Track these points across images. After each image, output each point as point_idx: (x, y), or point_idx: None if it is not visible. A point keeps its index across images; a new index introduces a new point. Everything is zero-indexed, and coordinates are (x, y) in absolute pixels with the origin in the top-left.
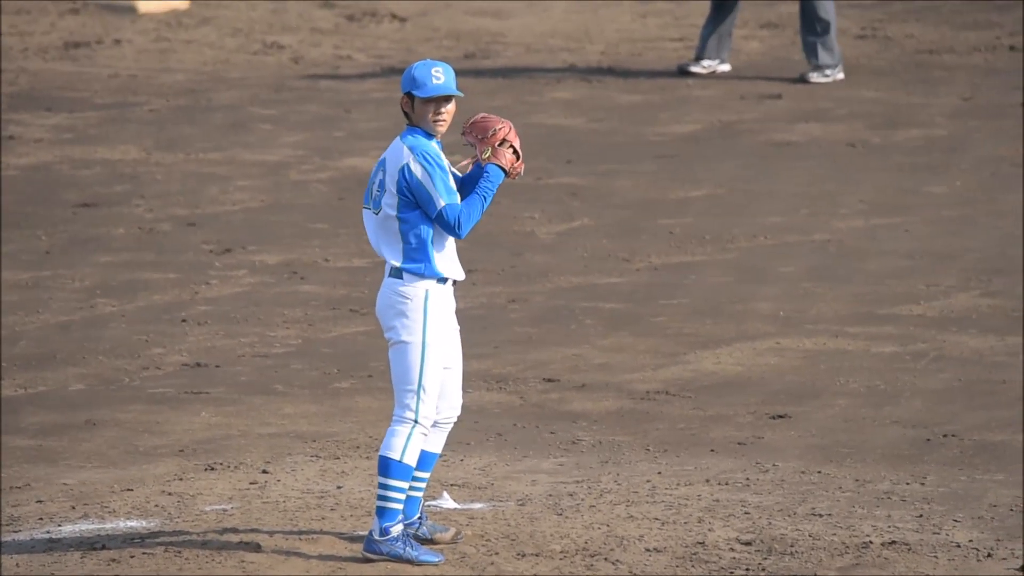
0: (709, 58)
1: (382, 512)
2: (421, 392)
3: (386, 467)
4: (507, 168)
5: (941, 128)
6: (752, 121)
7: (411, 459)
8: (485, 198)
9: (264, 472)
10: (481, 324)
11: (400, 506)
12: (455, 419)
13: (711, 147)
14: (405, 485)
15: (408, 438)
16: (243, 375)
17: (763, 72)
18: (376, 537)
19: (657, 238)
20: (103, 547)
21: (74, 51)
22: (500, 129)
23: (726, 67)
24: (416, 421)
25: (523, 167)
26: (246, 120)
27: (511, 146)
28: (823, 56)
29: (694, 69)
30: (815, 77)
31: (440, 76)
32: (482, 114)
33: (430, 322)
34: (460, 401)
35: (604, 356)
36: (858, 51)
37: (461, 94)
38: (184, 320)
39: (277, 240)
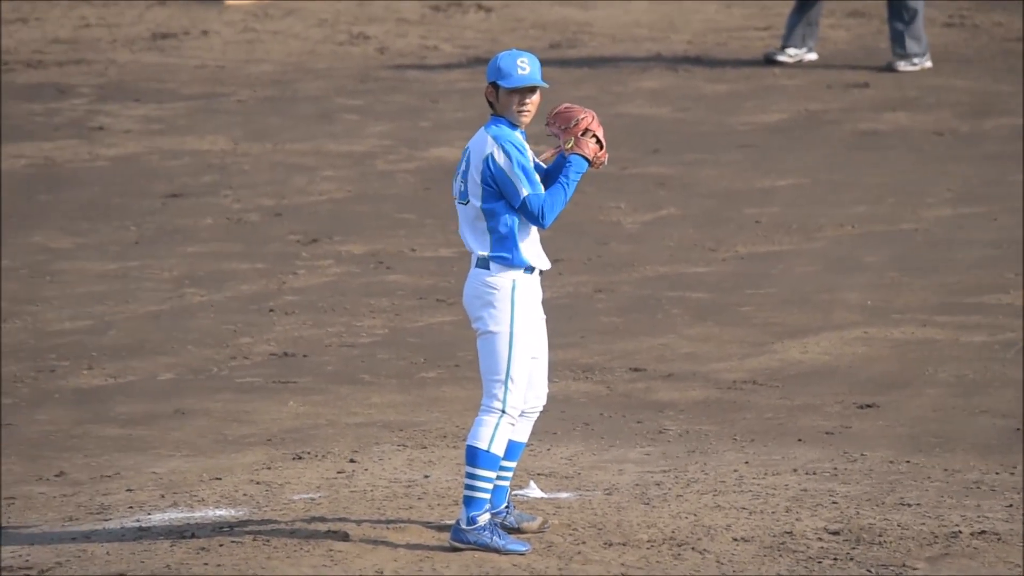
0: (796, 47)
1: (469, 501)
2: (509, 382)
3: (474, 456)
4: (590, 158)
5: None
6: (838, 110)
7: (499, 449)
8: (568, 188)
9: (351, 461)
10: (567, 313)
11: (487, 495)
12: (541, 408)
13: (797, 136)
14: (492, 474)
15: (496, 428)
16: (330, 365)
17: (850, 61)
18: (463, 526)
19: (743, 228)
20: (192, 535)
21: (162, 42)
22: (583, 119)
23: (813, 56)
24: (504, 411)
25: (607, 157)
26: (332, 111)
27: (594, 136)
28: (910, 45)
29: (780, 58)
30: (902, 66)
31: (526, 66)
32: (566, 104)
33: (518, 312)
34: (546, 390)
35: (691, 346)
36: (945, 39)
37: (546, 85)
38: (271, 310)
39: (363, 230)
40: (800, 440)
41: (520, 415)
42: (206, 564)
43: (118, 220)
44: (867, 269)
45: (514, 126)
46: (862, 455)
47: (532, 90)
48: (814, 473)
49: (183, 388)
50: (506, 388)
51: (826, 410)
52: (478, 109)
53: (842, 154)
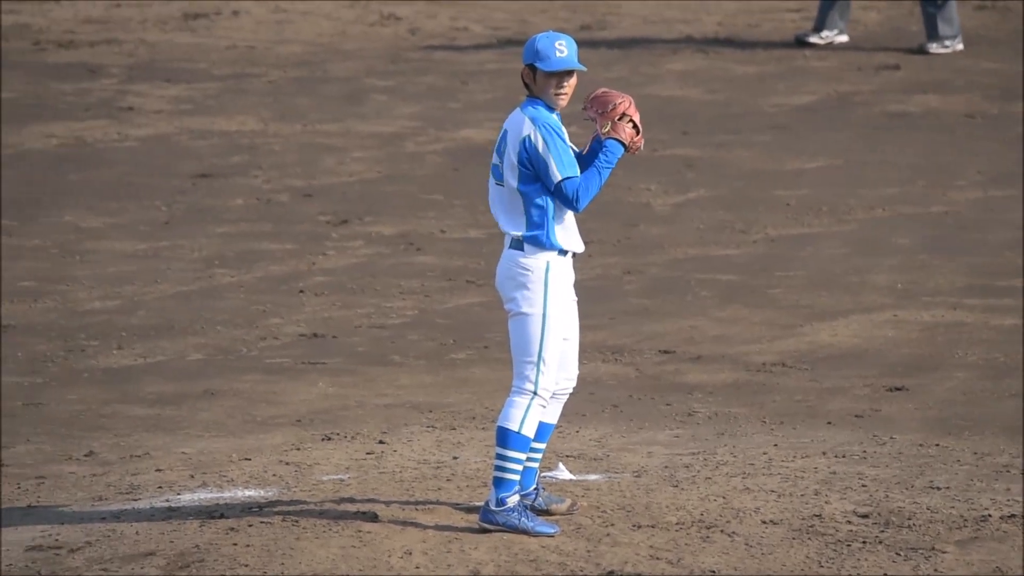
0: (828, 28)
1: (499, 483)
2: (541, 364)
3: (504, 438)
4: (626, 142)
5: None
6: (869, 92)
7: (529, 430)
8: (603, 173)
9: (380, 442)
10: (596, 295)
11: (517, 477)
12: (571, 390)
13: (827, 118)
14: (523, 456)
15: (527, 409)
16: (360, 346)
17: (881, 43)
18: (492, 507)
19: (773, 209)
20: (221, 516)
21: (192, 22)
22: (620, 103)
23: (844, 38)
24: (535, 392)
25: (643, 142)
26: (362, 91)
27: (631, 120)
28: (942, 27)
29: (812, 40)
30: (934, 48)
31: (564, 49)
32: (603, 88)
33: (551, 294)
34: (577, 372)
35: (720, 328)
36: (977, 22)
37: (584, 68)
38: (301, 291)
39: (393, 211)
40: (829, 423)
41: (551, 396)
42: (235, 544)
43: (148, 200)
44: (897, 251)
45: (551, 108)
46: (891, 438)
47: (570, 73)
48: (843, 456)
49: (212, 368)
50: (538, 370)
51: (855, 393)
52: (508, 90)
53: (872, 136)
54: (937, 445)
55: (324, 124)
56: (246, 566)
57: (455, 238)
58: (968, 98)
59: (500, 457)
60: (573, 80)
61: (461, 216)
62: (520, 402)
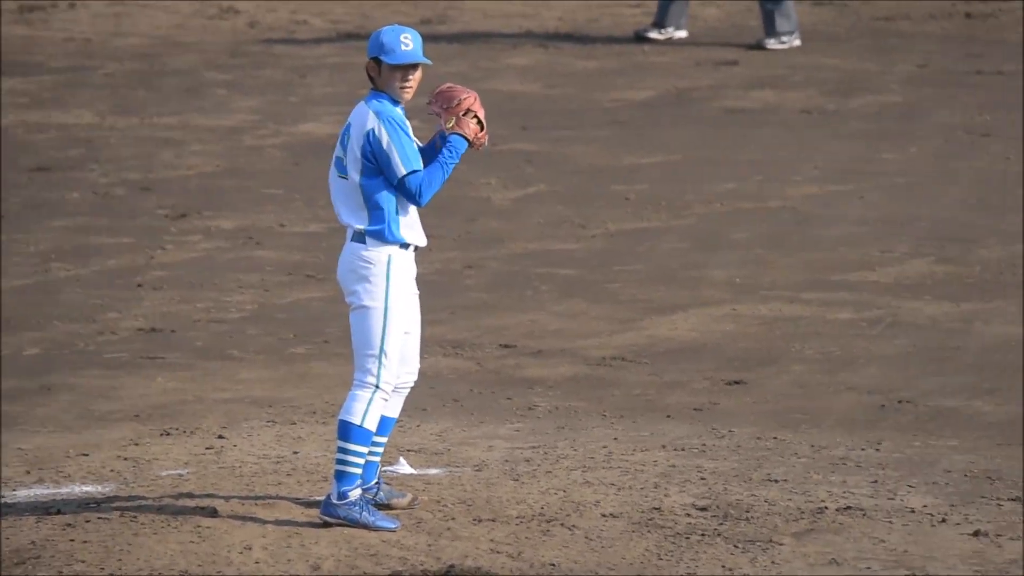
0: (667, 25)
1: (341, 476)
2: (383, 357)
3: (346, 431)
4: (470, 138)
5: (896, 95)
6: (707, 88)
7: (371, 424)
8: (447, 168)
9: (220, 437)
10: (437, 289)
11: (359, 470)
12: (412, 383)
13: (666, 113)
14: (365, 450)
15: (369, 403)
16: (199, 340)
17: (720, 38)
18: (334, 501)
19: (612, 204)
20: (58, 512)
21: (28, 15)
22: (465, 99)
23: (683, 33)
24: (377, 386)
25: (487, 138)
26: (201, 85)
27: (476, 116)
28: (780, 22)
29: (651, 35)
30: (771, 44)
31: (409, 43)
32: (448, 84)
33: (392, 287)
34: (418, 366)
35: (560, 322)
36: (815, 17)
37: (430, 62)
38: (140, 285)
39: (232, 205)
40: (669, 416)
41: (392, 390)
42: (72, 540)
43: None
44: (735, 246)
45: (396, 102)
46: (730, 431)
47: (415, 66)
48: (682, 449)
49: (50, 364)
50: (380, 363)
51: (694, 386)
52: (349, 84)
53: (711, 131)
54: (775, 438)
55: (163, 117)
56: (83, 562)
57: (295, 232)
58: (806, 93)
59: (342, 451)
60: (418, 74)
61: (301, 211)
62: (362, 395)
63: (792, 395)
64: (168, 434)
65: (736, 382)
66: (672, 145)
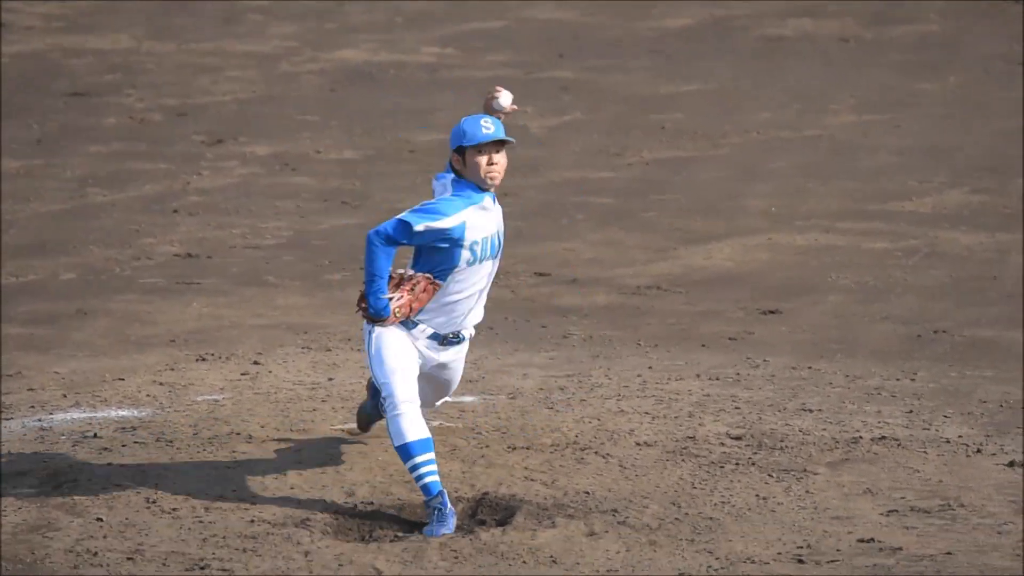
0: None
1: (424, 489)
2: (390, 376)
3: (404, 452)
4: (392, 308)
5: (934, 24)
6: (745, 16)
7: (418, 432)
8: (369, 273)
9: (255, 363)
10: None
11: (436, 477)
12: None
13: (703, 42)
14: (429, 455)
15: (401, 419)
16: (234, 266)
17: None
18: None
19: (648, 134)
20: (95, 436)
21: None
22: (422, 295)
23: None
24: (397, 403)
25: (405, 314)
26: (237, 11)
27: (412, 303)
28: None
29: None
30: None
31: (490, 126)
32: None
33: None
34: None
35: (595, 251)
36: None
37: (513, 140)
38: (175, 210)
39: (268, 131)
40: (703, 345)
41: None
42: (109, 464)
43: (21, 118)
44: (771, 176)
45: (480, 190)
46: (765, 361)
47: (499, 148)
48: (717, 378)
49: (85, 288)
50: (391, 382)
51: (729, 316)
52: (385, 12)
53: (748, 61)
54: (810, 368)
55: (199, 43)
56: (119, 486)
57: (330, 159)
58: (842, 22)
59: (411, 469)
60: (502, 157)
61: (337, 137)
62: (394, 416)
63: (827, 325)
64: (204, 359)
65: (771, 311)
66: (709, 74)
